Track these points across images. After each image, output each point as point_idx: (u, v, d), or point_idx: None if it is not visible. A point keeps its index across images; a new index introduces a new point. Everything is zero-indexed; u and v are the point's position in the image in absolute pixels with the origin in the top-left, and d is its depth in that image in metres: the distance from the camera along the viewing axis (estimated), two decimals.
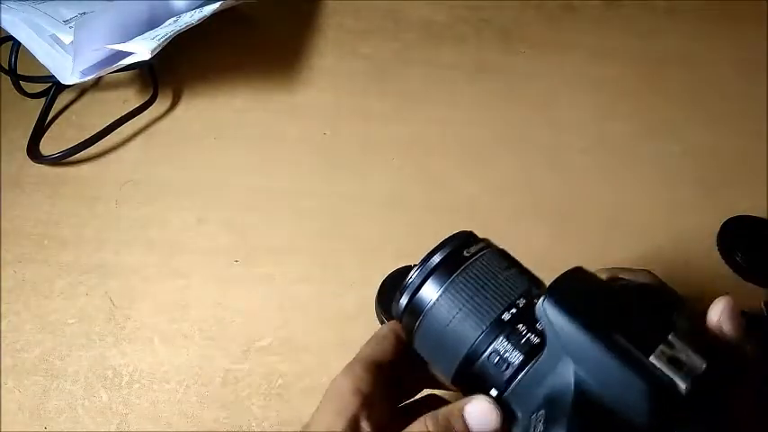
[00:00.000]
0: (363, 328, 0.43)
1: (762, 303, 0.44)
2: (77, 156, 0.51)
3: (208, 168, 0.51)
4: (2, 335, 0.42)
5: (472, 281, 0.27)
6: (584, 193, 0.51)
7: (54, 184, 0.50)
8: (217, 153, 0.52)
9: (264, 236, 0.47)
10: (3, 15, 0.51)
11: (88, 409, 0.39)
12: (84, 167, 0.51)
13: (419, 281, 0.27)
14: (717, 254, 0.47)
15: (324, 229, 0.48)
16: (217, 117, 0.55)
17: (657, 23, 0.64)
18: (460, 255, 0.28)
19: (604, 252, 0.47)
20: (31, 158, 0.51)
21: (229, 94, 0.56)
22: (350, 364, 0.29)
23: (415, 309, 0.27)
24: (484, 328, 0.25)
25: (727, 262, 0.46)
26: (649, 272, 0.29)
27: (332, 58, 0.60)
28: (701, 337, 0.24)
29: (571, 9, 0.65)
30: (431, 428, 0.24)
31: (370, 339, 0.30)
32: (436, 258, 0.28)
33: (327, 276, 0.45)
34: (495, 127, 0.55)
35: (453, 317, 0.26)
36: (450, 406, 0.26)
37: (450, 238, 0.29)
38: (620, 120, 0.56)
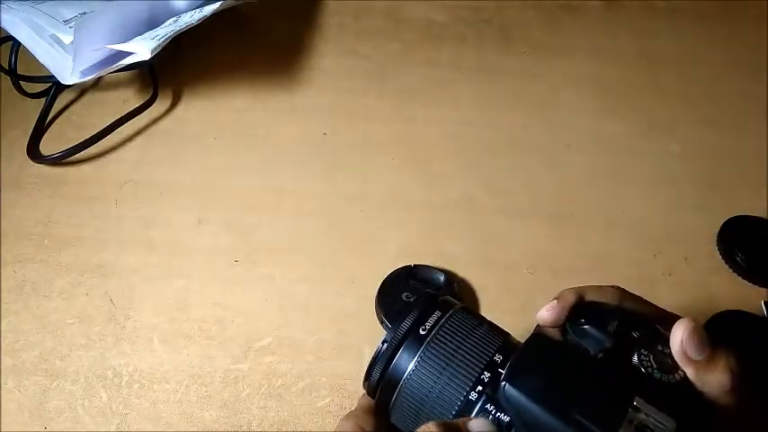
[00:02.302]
0: (363, 328, 0.43)
1: (762, 303, 0.44)
2: (77, 156, 0.51)
3: (208, 168, 0.51)
4: (2, 335, 0.42)
5: (438, 354, 0.26)
6: (584, 193, 0.51)
7: (54, 184, 0.50)
8: (217, 153, 0.52)
9: (264, 236, 0.47)
10: (3, 15, 0.51)
11: (88, 409, 0.39)
12: (84, 167, 0.51)
13: (389, 353, 0.27)
14: (717, 254, 0.47)
15: (324, 229, 0.48)
16: (217, 117, 0.55)
17: (657, 23, 0.64)
18: (418, 331, 0.27)
19: (604, 252, 0.47)
20: (31, 158, 0.51)
21: (229, 94, 0.56)
22: (351, 411, 0.30)
23: (391, 383, 0.27)
24: (455, 408, 0.25)
25: (727, 262, 0.46)
26: (618, 288, 0.29)
27: (332, 58, 0.60)
28: (670, 373, 0.24)
29: (571, 9, 0.65)
30: (433, 429, 0.24)
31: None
32: (403, 328, 0.27)
33: (327, 276, 0.45)
34: (495, 127, 0.55)
35: (428, 393, 0.26)
36: (454, 420, 0.26)
37: (412, 304, 0.29)
38: (620, 120, 0.56)
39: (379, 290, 0.43)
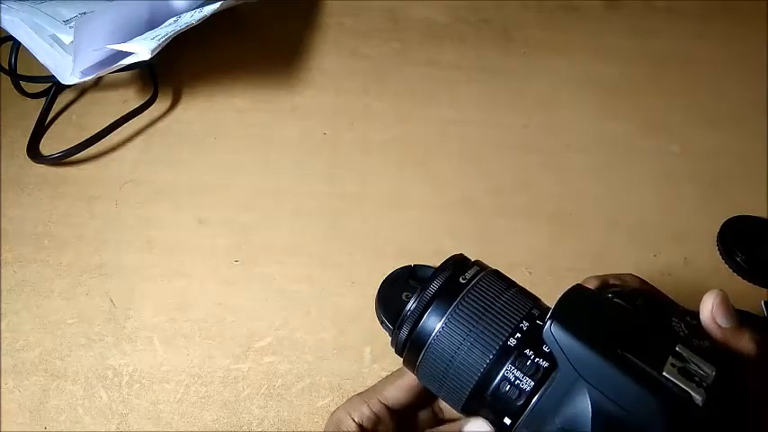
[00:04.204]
0: (363, 328, 0.43)
1: (762, 303, 0.44)
2: (77, 156, 0.51)
3: (208, 168, 0.51)
4: (2, 335, 0.42)
5: (473, 307, 0.26)
6: (584, 193, 0.51)
7: (54, 184, 0.50)
8: (217, 153, 0.52)
9: (264, 236, 0.47)
10: (3, 15, 0.51)
11: (88, 409, 0.39)
12: (84, 167, 0.51)
13: (419, 312, 0.27)
14: (717, 254, 0.47)
15: (324, 229, 0.48)
16: (217, 117, 0.55)
17: (657, 23, 0.64)
18: (457, 281, 0.27)
19: (604, 252, 0.47)
20: (31, 158, 0.51)
21: (229, 94, 0.56)
22: (344, 402, 0.30)
23: (417, 341, 0.27)
24: (491, 356, 0.25)
25: (727, 262, 0.46)
26: (634, 275, 0.30)
27: (332, 58, 0.60)
28: (700, 339, 0.24)
29: (571, 9, 0.65)
30: None
31: (387, 379, 0.31)
32: (434, 286, 0.27)
33: (327, 276, 0.45)
34: (495, 127, 0.55)
35: (458, 347, 0.26)
36: (450, 424, 0.26)
37: (445, 263, 0.28)
38: (620, 120, 0.56)
39: (379, 290, 0.43)
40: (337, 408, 0.30)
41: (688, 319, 0.25)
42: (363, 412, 0.29)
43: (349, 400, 0.31)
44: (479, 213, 0.49)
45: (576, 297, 0.25)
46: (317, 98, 0.57)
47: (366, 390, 0.31)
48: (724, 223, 0.48)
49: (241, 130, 0.54)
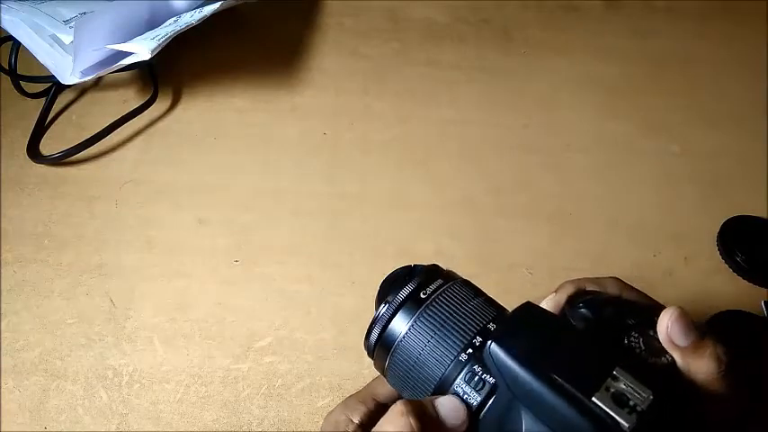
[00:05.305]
0: (363, 328, 0.43)
1: (762, 303, 0.44)
2: (77, 156, 0.51)
3: (208, 168, 0.51)
4: (2, 335, 0.42)
5: (435, 318, 0.27)
6: (584, 193, 0.51)
7: (54, 184, 0.50)
8: (217, 153, 0.52)
9: (264, 236, 0.47)
10: (3, 15, 0.51)
11: (88, 409, 0.39)
12: (84, 167, 0.51)
13: (389, 315, 0.28)
14: (717, 254, 0.47)
15: (324, 229, 0.48)
16: (217, 117, 0.55)
17: (657, 23, 0.64)
18: (418, 295, 0.28)
19: (604, 252, 0.47)
20: (31, 158, 0.51)
21: (229, 94, 0.56)
22: (342, 401, 0.31)
23: (386, 342, 0.28)
24: (444, 368, 0.26)
25: (726, 262, 0.46)
26: (616, 278, 0.29)
27: (332, 58, 0.60)
28: (659, 356, 0.24)
29: (571, 9, 0.65)
30: (405, 408, 0.24)
31: (379, 378, 0.31)
32: (404, 292, 0.28)
33: (327, 276, 0.45)
34: (495, 127, 0.55)
35: (418, 356, 0.26)
36: (423, 399, 0.27)
37: (415, 273, 0.30)
38: (620, 120, 0.56)
39: (379, 290, 0.43)
40: (333, 409, 0.30)
41: (651, 333, 0.25)
42: (363, 412, 0.29)
43: (344, 401, 0.31)
44: (479, 213, 0.49)
45: (522, 316, 0.26)
46: (317, 98, 0.57)
47: (359, 390, 0.31)
48: (724, 223, 0.48)
49: (241, 130, 0.54)
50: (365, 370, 0.41)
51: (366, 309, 0.43)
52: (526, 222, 0.49)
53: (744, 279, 0.46)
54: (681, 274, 0.46)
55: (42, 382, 0.40)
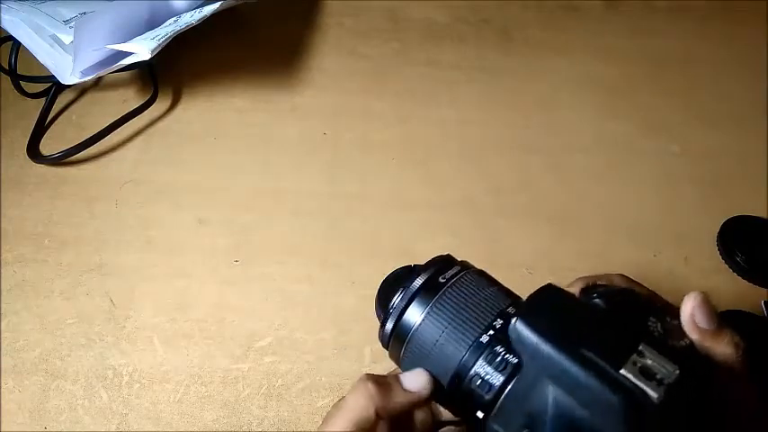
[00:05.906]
0: (363, 328, 0.43)
1: (762, 303, 0.44)
2: (77, 156, 0.51)
3: (208, 168, 0.51)
4: (2, 335, 0.42)
5: (452, 303, 0.27)
6: (584, 193, 0.51)
7: (54, 184, 0.50)
8: (217, 153, 0.52)
9: (264, 236, 0.47)
10: (3, 15, 0.51)
11: (88, 409, 0.39)
12: (84, 167, 0.51)
13: (403, 305, 0.28)
14: (717, 254, 0.47)
15: (324, 229, 0.48)
16: (217, 117, 0.55)
17: (657, 23, 0.64)
18: (437, 280, 0.28)
19: (604, 252, 0.47)
20: (31, 158, 0.51)
21: (229, 94, 0.56)
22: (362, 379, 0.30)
23: (401, 332, 0.28)
24: (465, 350, 0.26)
25: (727, 262, 0.46)
26: (624, 275, 0.30)
27: (332, 58, 0.60)
28: (677, 339, 0.25)
29: (571, 9, 0.65)
30: (365, 376, 0.26)
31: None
32: (418, 282, 0.28)
33: (327, 276, 0.45)
34: (495, 127, 0.55)
35: (436, 341, 0.27)
36: (387, 374, 0.28)
37: (430, 261, 0.30)
38: (620, 120, 0.56)
39: (379, 290, 0.43)
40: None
41: (668, 319, 0.25)
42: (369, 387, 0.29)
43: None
44: (479, 213, 0.49)
45: (544, 296, 0.26)
46: (317, 98, 0.56)
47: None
48: (724, 223, 0.48)
49: (241, 130, 0.54)
50: (365, 369, 0.41)
51: (366, 309, 0.43)
52: (526, 222, 0.49)
53: (744, 279, 0.45)
54: (681, 274, 0.46)
55: (42, 382, 0.40)
